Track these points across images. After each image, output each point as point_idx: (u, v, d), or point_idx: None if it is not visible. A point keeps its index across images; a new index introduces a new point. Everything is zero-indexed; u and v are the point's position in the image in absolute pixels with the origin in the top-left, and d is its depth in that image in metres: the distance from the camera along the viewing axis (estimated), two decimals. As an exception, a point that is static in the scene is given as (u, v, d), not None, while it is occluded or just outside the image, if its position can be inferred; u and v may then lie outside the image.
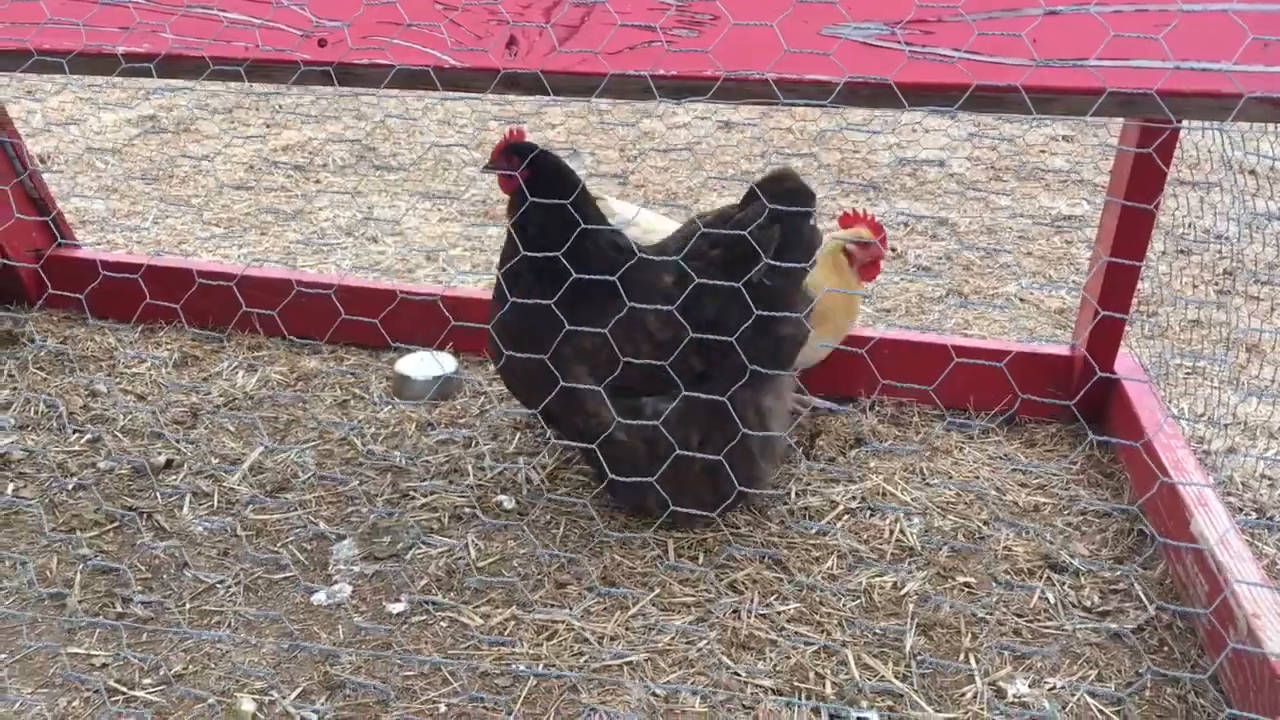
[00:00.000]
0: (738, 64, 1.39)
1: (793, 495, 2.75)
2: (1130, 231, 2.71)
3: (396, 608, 2.32)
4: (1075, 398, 3.06)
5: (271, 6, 1.47)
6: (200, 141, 5.83)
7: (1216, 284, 4.10)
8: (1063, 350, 3.18)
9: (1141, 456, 2.72)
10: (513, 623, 2.28)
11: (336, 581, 2.40)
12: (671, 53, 1.43)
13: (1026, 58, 1.34)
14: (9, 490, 2.65)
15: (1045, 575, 2.49)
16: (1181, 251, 4.28)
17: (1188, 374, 3.42)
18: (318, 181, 5.27)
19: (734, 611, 2.33)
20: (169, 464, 2.78)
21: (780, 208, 2.45)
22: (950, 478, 2.86)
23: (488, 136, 6.05)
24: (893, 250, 4.61)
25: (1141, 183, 2.59)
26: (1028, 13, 1.39)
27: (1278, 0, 1.37)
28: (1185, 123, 2.88)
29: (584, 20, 1.47)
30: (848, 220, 3.05)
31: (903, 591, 2.42)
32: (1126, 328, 3.12)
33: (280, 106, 6.44)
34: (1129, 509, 2.71)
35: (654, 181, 5.50)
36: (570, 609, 2.32)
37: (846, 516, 2.68)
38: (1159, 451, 2.66)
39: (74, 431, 2.91)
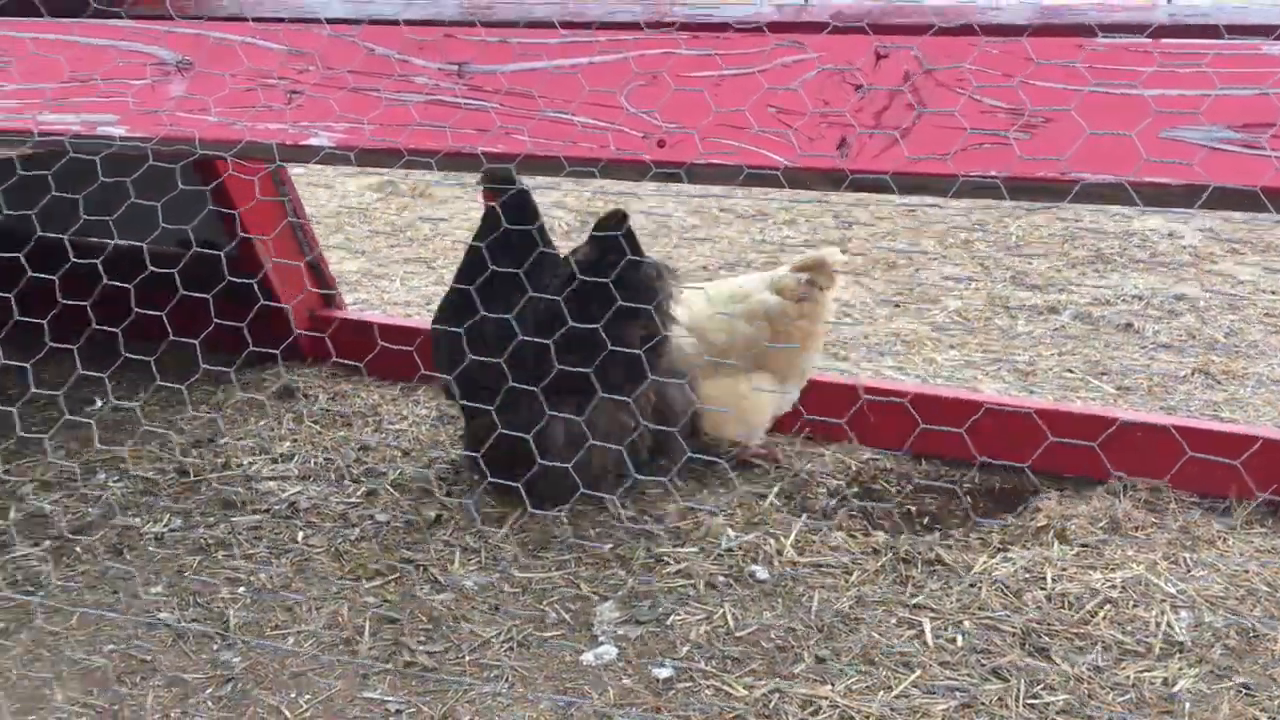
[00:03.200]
0: (1082, 166, 1.41)
1: (1049, 580, 2.70)
2: None
3: (662, 672, 2.39)
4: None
5: (621, 112, 1.59)
6: (435, 205, 6.19)
7: None
8: (1334, 437, 3.02)
9: None
10: (776, 695, 2.31)
11: (602, 642, 2.49)
12: (997, 153, 1.47)
13: (1390, 164, 1.32)
14: (299, 538, 2.86)
15: (1332, 681, 2.36)
16: None
17: None
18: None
19: (999, 699, 2.30)
20: (438, 519, 2.94)
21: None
22: (1217, 570, 2.75)
23: (705, 205, 6.20)
24: (1128, 325, 4.48)
25: None
26: (1384, 116, 1.37)
27: None
28: None
29: (915, 123, 1.53)
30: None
31: (1174, 689, 2.34)
32: None
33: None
34: None
35: (868, 253, 5.52)
36: (833, 685, 2.33)
37: (1108, 606, 2.61)
38: None
39: (351, 483, 3.12)
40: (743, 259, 5.35)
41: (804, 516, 2.98)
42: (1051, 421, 3.05)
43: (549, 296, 2.73)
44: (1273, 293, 4.84)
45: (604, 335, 2.47)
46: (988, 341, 4.36)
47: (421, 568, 2.75)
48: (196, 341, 2.55)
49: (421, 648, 2.46)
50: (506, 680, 2.36)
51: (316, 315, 3.78)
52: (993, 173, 1.48)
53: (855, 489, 3.16)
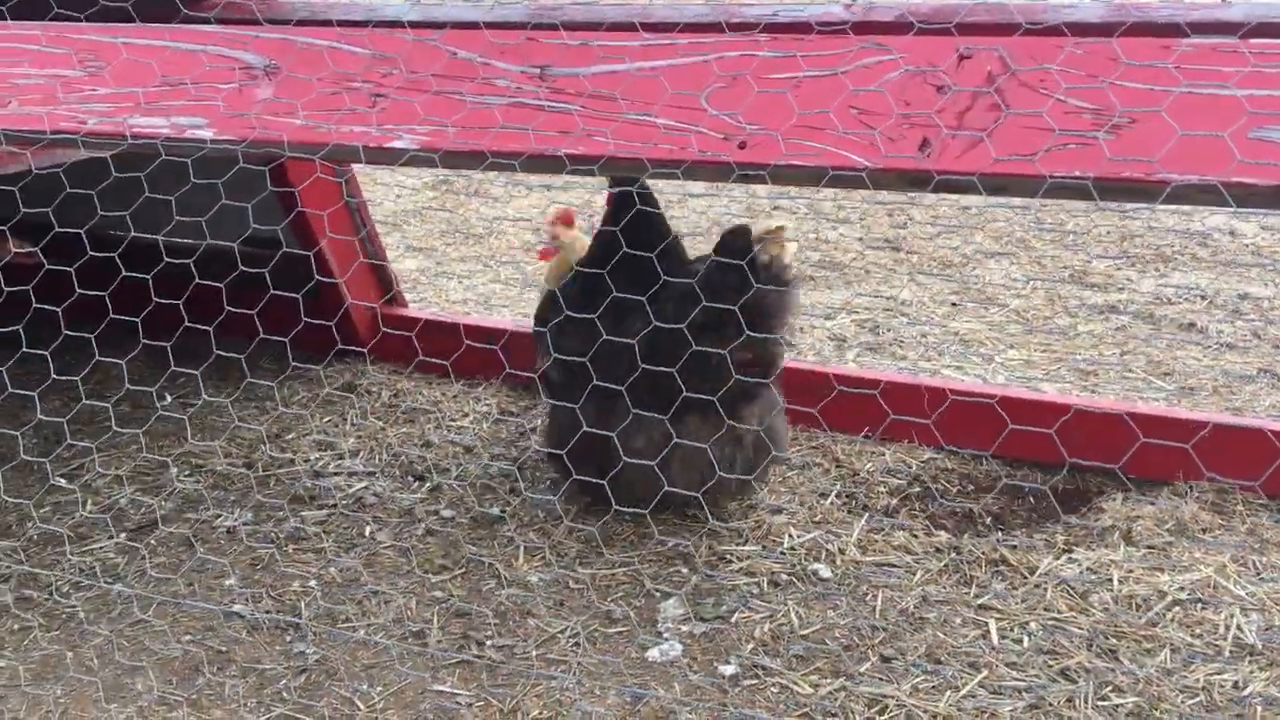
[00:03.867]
0: (1170, 167, 1.41)
1: (1115, 582, 2.68)
2: None
3: (728, 669, 2.40)
4: None
5: (703, 113, 1.60)
6: (489, 203, 6.23)
7: None
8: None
9: None
10: (843, 693, 2.32)
11: (667, 639, 2.51)
12: (1083, 154, 1.47)
13: None
14: (368, 532, 2.91)
15: None
16: None
17: None
18: (600, 244, 5.53)
19: (1068, 700, 2.30)
20: (502, 516, 2.98)
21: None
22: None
23: (755, 203, 6.19)
24: (1191, 324, 4.43)
25: None
26: None
27: None
28: None
29: (999, 124, 1.53)
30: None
31: (1244, 692, 2.32)
32: None
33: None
34: None
35: (924, 250, 5.49)
36: (898, 685, 2.34)
37: (1176, 608, 2.59)
38: None
39: (415, 479, 3.16)
40: (797, 257, 5.33)
41: (866, 515, 2.98)
42: (1117, 422, 3.03)
43: (671, 325, 2.70)
44: (1338, 292, 4.76)
45: (729, 363, 2.51)
46: (1048, 341, 4.33)
47: (487, 564, 2.78)
48: (256, 339, 2.61)
49: (490, 641, 2.49)
50: (574, 674, 2.38)
51: (378, 314, 3.82)
52: (1078, 173, 1.48)
53: (917, 488, 3.15)
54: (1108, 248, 5.45)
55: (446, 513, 2.99)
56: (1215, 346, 4.22)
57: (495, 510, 3.00)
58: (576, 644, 2.49)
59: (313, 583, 2.69)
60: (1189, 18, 1.98)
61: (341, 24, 1.78)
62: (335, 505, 3.02)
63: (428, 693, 2.33)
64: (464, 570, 2.75)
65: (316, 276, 3.62)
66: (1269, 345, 4.19)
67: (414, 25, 1.75)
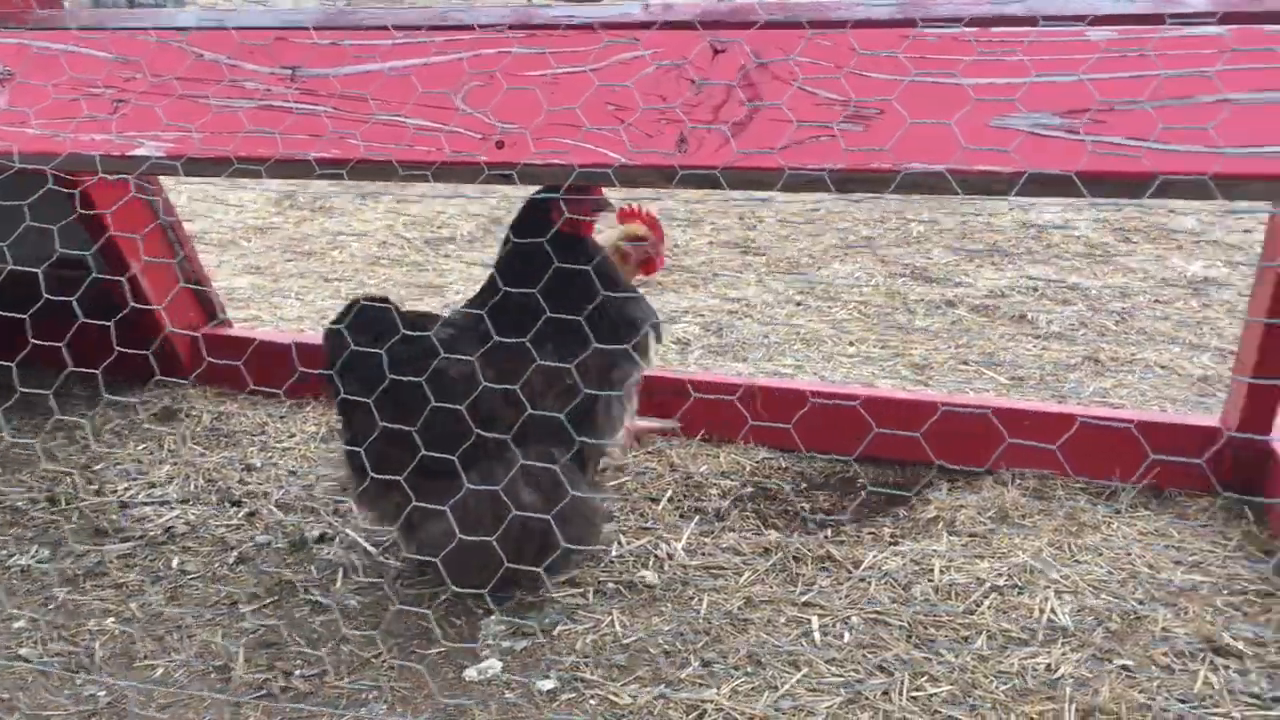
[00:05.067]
0: (909, 157, 1.41)
1: (936, 572, 2.71)
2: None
3: (546, 684, 2.35)
4: (1227, 469, 2.96)
5: (455, 113, 1.55)
6: (335, 217, 6.08)
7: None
8: (1211, 420, 3.09)
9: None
10: (661, 701, 2.28)
11: (487, 656, 2.44)
12: (834, 145, 1.46)
13: (1206, 145, 1.33)
14: (175, 564, 2.76)
15: (1208, 659, 2.40)
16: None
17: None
18: (446, 256, 5.43)
19: (884, 693, 2.30)
20: (322, 538, 2.87)
21: None
22: (1100, 554, 2.79)
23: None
24: (1022, 316, 4.55)
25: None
26: (1202, 100, 1.38)
27: None
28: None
29: (752, 118, 1.52)
30: (623, 216, 3.03)
31: (1057, 674, 2.36)
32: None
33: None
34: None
35: (774, 249, 5.54)
36: (718, 689, 2.31)
37: (994, 595, 2.63)
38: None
39: (232, 505, 3.03)
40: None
41: (696, 519, 2.96)
42: (938, 413, 3.07)
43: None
44: (1161, 279, 4.95)
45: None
46: (886, 337, 4.39)
47: (302, 589, 2.67)
48: (67, 366, 2.44)
49: (298, 671, 2.39)
50: (386, 701, 2.30)
51: (199, 334, 3.67)
52: (829, 165, 1.47)
53: (749, 489, 3.15)
54: (948, 244, 5.58)
55: (262, 538, 2.87)
56: (1044, 336, 4.34)
57: (315, 533, 2.89)
58: (391, 668, 2.40)
59: (110, 620, 2.55)
60: (972, 12, 2.01)
61: (81, 28, 1.67)
62: (142, 537, 2.87)
63: (228, 730, 2.22)
64: (276, 598, 2.63)
65: (131, 303, 3.45)
66: (1094, 333, 4.33)
67: (158, 28, 1.65)
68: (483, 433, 2.30)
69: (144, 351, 2.96)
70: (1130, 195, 1.28)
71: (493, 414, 2.39)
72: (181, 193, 6.45)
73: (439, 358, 2.36)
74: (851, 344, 4.34)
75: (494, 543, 2.23)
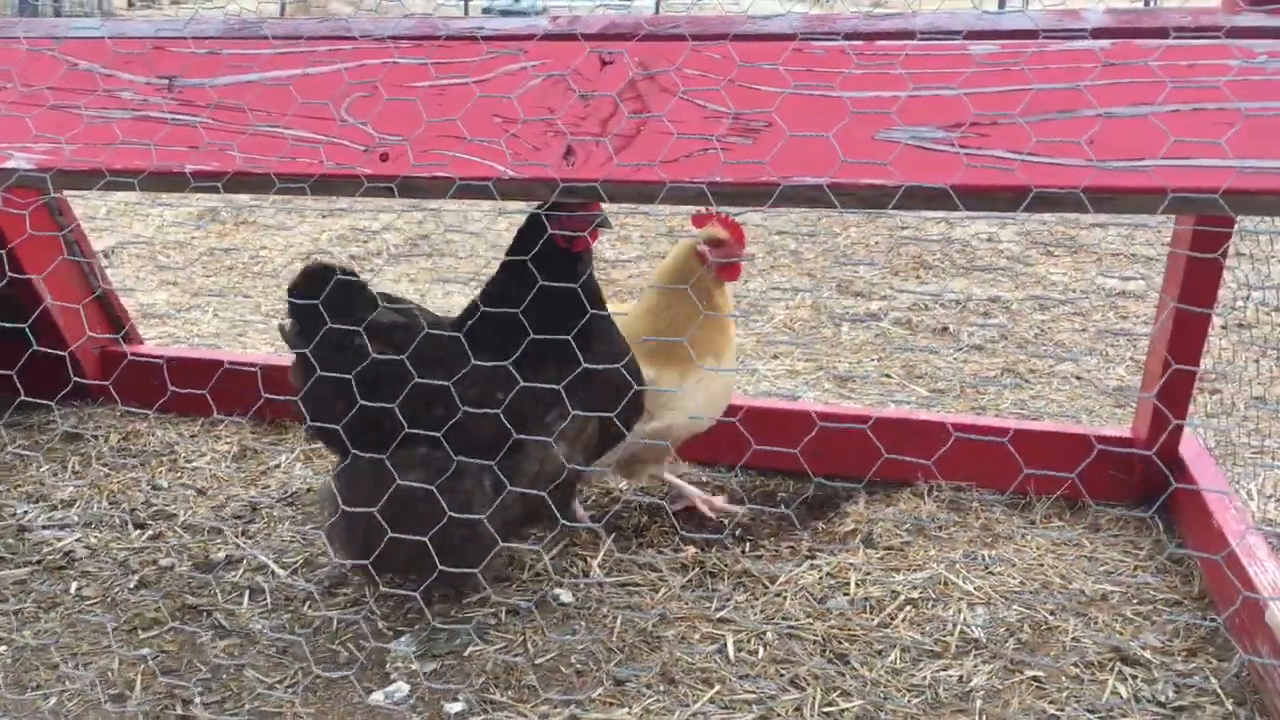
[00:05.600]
0: (793, 170, 1.40)
1: (852, 585, 2.71)
2: (1187, 325, 2.68)
3: (454, 707, 2.30)
4: (1137, 480, 3.00)
5: (336, 124, 1.51)
6: (259, 233, 5.97)
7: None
8: (1124, 432, 3.13)
9: (1209, 540, 2.65)
10: (571, 722, 2.25)
11: (394, 680, 2.39)
12: (727, 162, 1.45)
13: (1084, 159, 1.34)
14: (72, 589, 2.68)
15: (1116, 668, 2.42)
16: (1240, 326, 4.21)
17: (1254, 453, 3.34)
18: (371, 270, 5.36)
19: (796, 709, 2.29)
20: (228, 560, 2.80)
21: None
22: (1014, 565, 2.80)
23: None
24: (944, 329, 4.59)
25: (1197, 280, 2.57)
26: (1083, 114, 1.39)
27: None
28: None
29: (640, 130, 1.50)
30: (698, 221, 2.92)
31: (969, 686, 2.36)
32: (1190, 410, 3.07)
33: (335, 196, 6.59)
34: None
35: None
36: (629, 708, 2.28)
37: (909, 607, 2.63)
38: (1228, 536, 2.59)
39: (136, 528, 2.94)
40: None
41: (613, 535, 2.94)
42: (861, 425, 3.08)
43: None
44: (1080, 292, 5.03)
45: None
46: (811, 350, 4.41)
47: (206, 613, 2.60)
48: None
49: (199, 699, 2.32)
50: (288, 727, 2.24)
51: (106, 353, 3.57)
52: (714, 178, 1.46)
53: (669, 504, 3.13)
54: (875, 258, 5.63)
55: (165, 561, 2.79)
56: (965, 349, 4.38)
57: (221, 555, 2.82)
58: (295, 693, 2.34)
59: (1, 648, 2.45)
60: (876, 28, 2.01)
61: (-50, 35, 1.62)
62: (40, 562, 2.78)
63: (121, 761, 2.15)
64: (178, 623, 2.56)
65: (31, 319, 3.35)
66: (1013, 346, 4.38)
67: (29, 37, 1.60)
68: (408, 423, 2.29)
69: (48, 370, 2.88)
70: (1007, 208, 1.28)
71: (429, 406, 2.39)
72: (101, 206, 6.31)
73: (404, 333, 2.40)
74: (776, 357, 4.35)
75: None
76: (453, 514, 2.29)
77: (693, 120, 1.49)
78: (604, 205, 2.06)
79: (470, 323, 2.53)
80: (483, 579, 2.52)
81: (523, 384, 2.27)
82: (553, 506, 2.38)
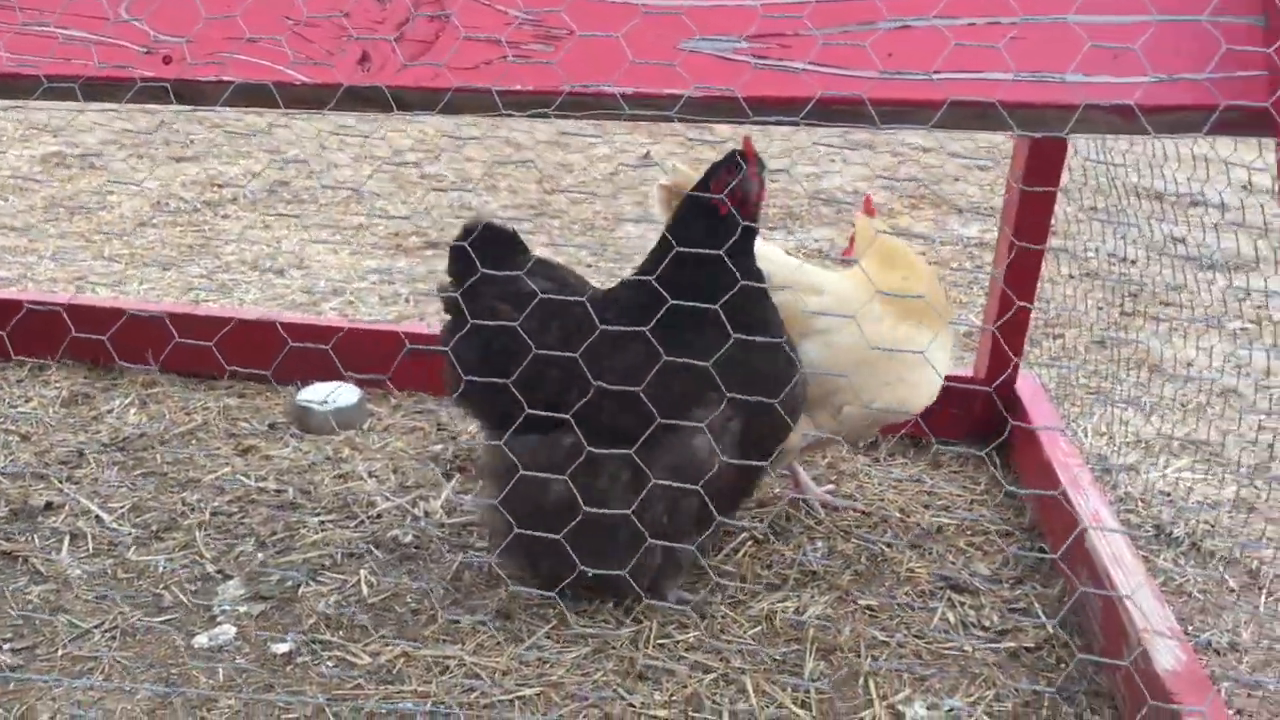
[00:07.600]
0: (589, 77, 1.36)
1: (696, 522, 2.72)
2: (1024, 259, 2.74)
3: (281, 648, 2.24)
4: (977, 418, 3.08)
5: (109, 22, 1.42)
6: (107, 178, 5.71)
7: (1121, 306, 4.16)
8: (966, 372, 3.19)
9: (1041, 475, 2.73)
10: (403, 660, 2.21)
11: (220, 623, 2.31)
12: (522, 66, 1.41)
13: (876, 70, 1.33)
14: (-125, 536, 2.53)
15: (946, 596, 2.48)
16: (1088, 275, 4.35)
17: (1091, 394, 3.46)
18: (226, 216, 5.17)
19: (632, 642, 2.29)
20: (49, 506, 2.67)
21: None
22: (855, 500, 2.85)
23: (402, 172, 6.00)
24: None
25: (1030, 214, 2.62)
26: (881, 27, 1.38)
27: (1127, 13, 1.39)
28: (1074, 146, 2.93)
29: (438, 36, 1.44)
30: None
31: (803, 617, 2.39)
32: (1027, 349, 3.15)
33: (191, 141, 6.33)
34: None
35: (570, 213, 5.48)
36: (463, 644, 2.25)
37: (750, 543, 2.65)
38: (1057, 470, 2.67)
39: (-51, 475, 2.79)
40: (442, 228, 5.19)
41: (457, 477, 2.89)
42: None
43: None
44: (940, 242, 5.12)
45: None
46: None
47: (22, 559, 2.48)
48: None
49: (7, 645, 2.21)
50: (103, 673, 2.15)
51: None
52: (514, 86, 1.41)
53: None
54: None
55: (-21, 508, 2.66)
56: (825, 296, 4.42)
57: (42, 501, 2.69)
58: (113, 638, 2.25)
59: None
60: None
61: None
62: None
63: (-84, 711, 2.04)
64: (-11, 570, 2.44)
65: None
66: (871, 292, 4.44)
67: None
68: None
69: None
70: (788, 115, 1.27)
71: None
72: (-65, 148, 5.95)
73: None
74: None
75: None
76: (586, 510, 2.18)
77: (492, 26, 1.44)
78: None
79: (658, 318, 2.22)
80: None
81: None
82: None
